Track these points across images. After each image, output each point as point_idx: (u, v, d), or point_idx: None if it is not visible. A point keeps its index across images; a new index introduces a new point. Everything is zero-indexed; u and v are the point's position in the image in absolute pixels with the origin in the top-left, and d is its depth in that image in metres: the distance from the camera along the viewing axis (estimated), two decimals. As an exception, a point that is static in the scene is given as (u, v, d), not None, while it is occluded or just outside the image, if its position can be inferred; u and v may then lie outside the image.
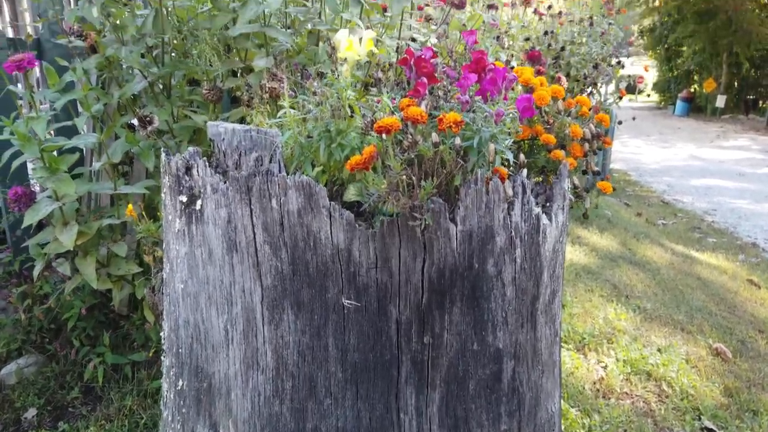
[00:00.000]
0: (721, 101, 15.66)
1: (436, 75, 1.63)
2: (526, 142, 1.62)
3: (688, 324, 3.30)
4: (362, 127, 1.20)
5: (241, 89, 2.06)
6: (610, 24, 5.12)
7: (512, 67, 1.71)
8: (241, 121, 1.87)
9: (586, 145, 1.54)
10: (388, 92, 1.57)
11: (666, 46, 17.36)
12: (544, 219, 1.28)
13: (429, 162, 1.15)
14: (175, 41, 1.95)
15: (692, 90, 17.02)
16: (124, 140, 1.89)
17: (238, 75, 2.19)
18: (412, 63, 1.57)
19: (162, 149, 1.35)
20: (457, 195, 1.20)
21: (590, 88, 4.95)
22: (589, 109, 1.61)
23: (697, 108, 16.79)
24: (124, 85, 2.08)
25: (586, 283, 3.77)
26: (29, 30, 2.41)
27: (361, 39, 1.26)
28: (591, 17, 4.76)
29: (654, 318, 3.35)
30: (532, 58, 3.35)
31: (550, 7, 4.64)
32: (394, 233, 1.18)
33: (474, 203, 1.18)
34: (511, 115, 1.32)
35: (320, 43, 2.07)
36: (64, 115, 2.31)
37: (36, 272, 1.88)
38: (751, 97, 16.40)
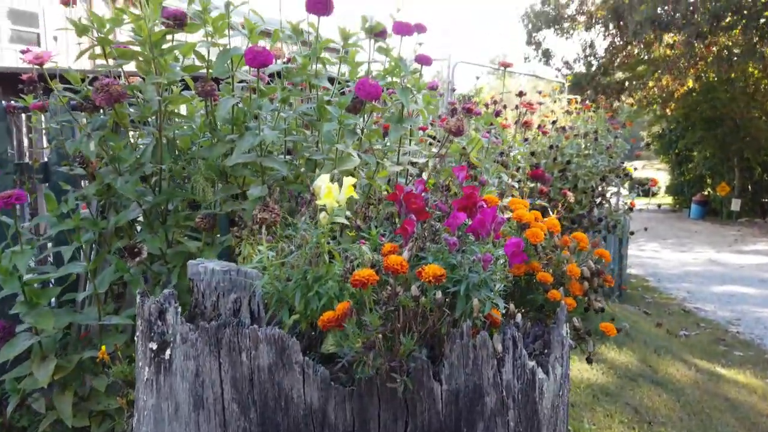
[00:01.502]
0: (736, 205, 15.57)
1: (426, 209, 1.58)
2: (523, 278, 1.53)
3: (719, 457, 3.02)
4: (341, 274, 1.13)
5: (237, 214, 2.04)
6: (616, 137, 5.18)
7: (504, 208, 1.66)
8: (230, 251, 1.82)
9: (586, 283, 1.45)
10: (377, 227, 1.52)
11: (676, 151, 17.60)
12: (540, 373, 1.16)
13: (411, 314, 1.06)
14: (172, 169, 1.96)
15: (706, 193, 17.02)
16: (113, 269, 1.85)
17: (237, 198, 2.18)
18: (401, 199, 1.52)
19: (138, 292, 1.29)
20: (443, 347, 1.10)
21: (599, 199, 4.92)
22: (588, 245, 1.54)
23: (712, 211, 16.69)
24: (122, 210, 2.07)
25: (605, 407, 3.52)
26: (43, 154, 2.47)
27: (341, 185, 1.22)
28: (596, 131, 4.83)
29: (680, 449, 3.07)
30: (536, 176, 3.34)
31: (554, 121, 4.72)
32: (373, 393, 1.07)
33: (460, 360, 1.08)
34: (500, 259, 1.25)
35: (317, 170, 2.07)
36: (62, 237, 2.29)
37: (9, 409, 1.77)
38: (767, 200, 16.32)
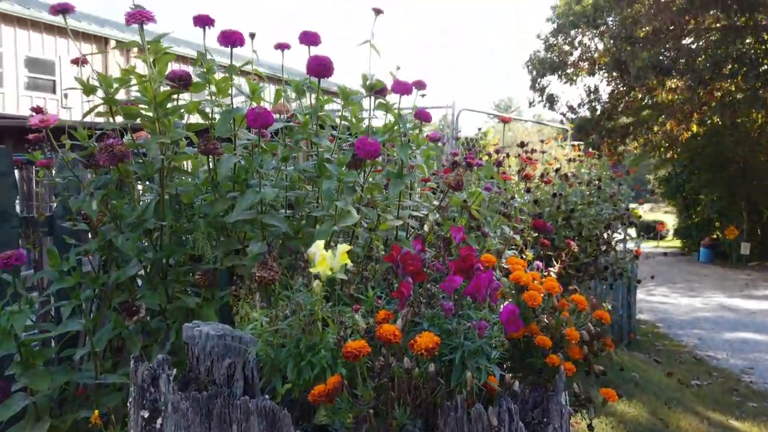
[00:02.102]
0: (745, 248, 15.43)
1: (424, 270, 1.57)
2: (521, 340, 1.51)
3: None
4: (335, 342, 1.12)
5: (237, 271, 2.04)
6: (620, 184, 5.19)
7: (499, 276, 1.66)
8: (230, 306, 1.81)
9: (585, 347, 1.43)
10: (374, 288, 1.51)
11: (684, 194, 17.57)
12: (537, 446, 1.13)
13: (404, 386, 1.05)
14: (173, 226, 1.97)
15: (715, 237, 16.90)
16: (111, 326, 1.84)
17: (238, 252, 2.19)
18: (398, 260, 1.52)
19: (132, 357, 1.28)
20: (438, 418, 1.08)
21: (605, 246, 4.89)
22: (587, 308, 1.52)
23: (721, 254, 16.54)
24: (123, 265, 2.07)
25: (614, 463, 3.41)
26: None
27: (335, 252, 1.22)
28: (599, 178, 4.84)
29: None
30: (538, 227, 3.33)
31: (558, 169, 4.74)
32: (365, 467, 1.05)
33: (454, 433, 1.05)
34: (497, 324, 1.23)
35: (317, 225, 2.07)
36: (63, 293, 2.30)
37: (1, 472, 1.74)
38: (777, 243, 16.16)
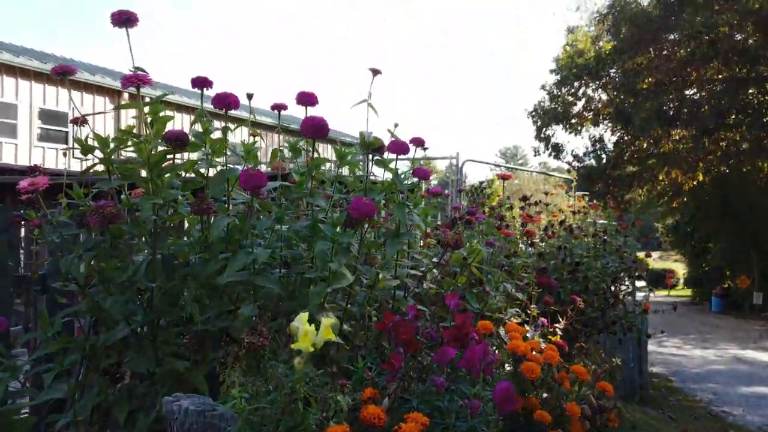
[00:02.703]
0: (758, 298, 15.13)
1: (417, 338, 1.51)
2: (520, 414, 1.43)
3: None
4: (316, 424, 1.05)
5: (226, 334, 1.98)
6: (626, 237, 5.12)
7: (498, 344, 1.59)
8: (216, 374, 1.74)
9: (587, 422, 1.35)
10: (364, 357, 1.45)
11: (692, 243, 17.39)
12: None
13: (389, 473, 0.98)
14: (162, 287, 1.93)
15: (726, 286, 16.61)
16: (96, 392, 1.77)
17: (231, 313, 2.13)
18: (390, 328, 1.46)
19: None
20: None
21: (612, 300, 4.78)
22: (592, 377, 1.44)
23: (734, 304, 16.22)
24: (113, 326, 2.02)
25: None
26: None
27: (319, 327, 1.17)
28: (605, 231, 4.78)
29: None
30: (542, 284, 3.26)
31: (562, 221, 4.69)
32: None
33: None
34: (492, 401, 1.16)
35: (311, 287, 2.02)
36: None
37: None
38: (790, 293, 15.85)
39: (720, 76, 12.95)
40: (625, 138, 15.30)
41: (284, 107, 2.12)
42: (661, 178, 14.74)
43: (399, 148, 2.10)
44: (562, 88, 15.82)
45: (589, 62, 14.71)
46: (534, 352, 1.47)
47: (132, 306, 1.91)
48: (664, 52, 13.20)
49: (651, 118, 12.31)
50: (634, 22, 12.53)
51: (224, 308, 1.99)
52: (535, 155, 16.71)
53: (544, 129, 16.23)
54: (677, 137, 13.64)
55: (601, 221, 5.18)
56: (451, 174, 6.86)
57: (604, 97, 15.76)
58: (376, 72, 2.29)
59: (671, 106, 12.82)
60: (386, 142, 2.48)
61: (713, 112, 11.96)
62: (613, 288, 4.80)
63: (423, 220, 2.28)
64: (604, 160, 15.85)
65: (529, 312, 3.14)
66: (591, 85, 15.72)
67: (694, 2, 11.46)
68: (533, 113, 16.07)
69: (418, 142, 2.54)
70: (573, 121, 16.03)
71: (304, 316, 1.17)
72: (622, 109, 13.89)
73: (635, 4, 13.21)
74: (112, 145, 1.99)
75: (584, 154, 16.42)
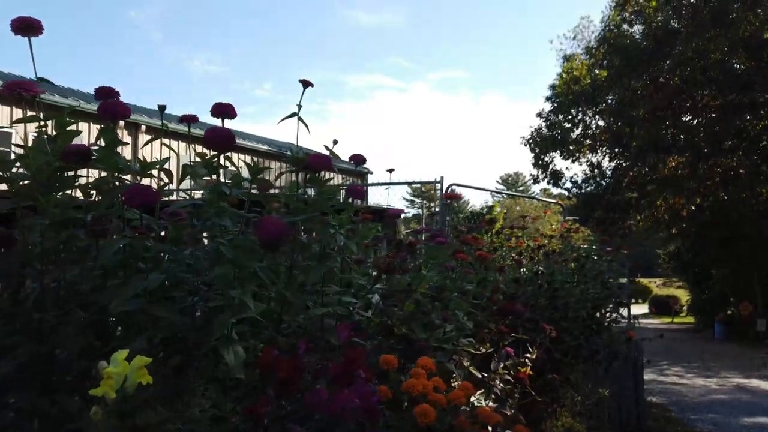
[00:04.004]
0: (761, 325, 14.63)
1: (303, 375, 1.28)
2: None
3: None
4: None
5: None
6: (609, 261, 4.85)
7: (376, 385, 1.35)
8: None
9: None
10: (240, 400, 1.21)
11: (694, 270, 16.93)
12: None
13: None
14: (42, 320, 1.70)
15: (729, 312, 16.11)
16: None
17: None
18: (271, 365, 1.23)
19: None
20: None
21: (595, 327, 4.49)
22: None
23: (737, 331, 15.69)
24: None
25: None
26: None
27: (129, 367, 0.94)
28: (586, 256, 4.51)
29: None
30: (506, 311, 2.98)
31: (540, 246, 4.44)
32: None
33: None
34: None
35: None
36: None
37: None
38: (794, 319, 15.32)
39: (716, 103, 12.73)
40: (623, 164, 15.07)
41: (195, 119, 1.92)
42: (659, 204, 14.43)
43: (319, 163, 1.89)
44: (559, 115, 15.68)
45: (586, 89, 14.58)
46: (438, 393, 1.23)
47: (18, 338, 1.69)
48: (660, 80, 13.03)
49: (647, 146, 12.08)
50: (625, 53, 12.40)
51: (89, 342, 1.74)
52: (534, 182, 16.49)
53: (542, 156, 16.03)
54: (674, 163, 13.37)
55: (585, 246, 4.91)
56: (437, 201, 6.59)
57: (601, 123, 15.59)
58: (306, 84, 2.10)
59: (667, 132, 12.60)
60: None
61: (708, 138, 11.72)
62: (597, 315, 4.52)
63: (357, 242, 2.06)
64: (603, 187, 15.59)
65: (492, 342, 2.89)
66: (588, 111, 15.56)
67: (685, 32, 11.33)
68: (530, 140, 15.89)
69: (357, 159, 2.34)
70: (571, 147, 15.83)
71: (120, 354, 0.95)
72: (619, 136, 13.70)
73: (625, 36, 13.11)
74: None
75: (583, 180, 16.17)
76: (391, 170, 3.69)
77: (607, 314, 4.81)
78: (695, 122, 12.80)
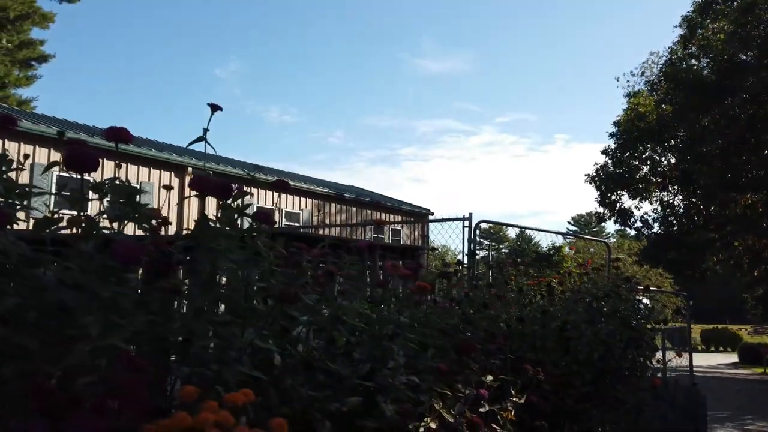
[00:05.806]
0: None
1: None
2: None
3: None
4: None
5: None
6: (636, 300, 4.31)
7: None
8: None
9: None
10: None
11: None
12: None
13: None
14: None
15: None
16: None
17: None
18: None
19: None
20: None
21: (609, 372, 3.95)
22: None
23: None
24: None
25: None
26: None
27: None
28: (606, 295, 4.02)
29: None
30: (462, 351, 2.64)
31: (549, 284, 4.02)
32: None
33: None
34: None
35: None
36: None
37: None
38: None
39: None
40: (696, 203, 13.89)
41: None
42: (737, 244, 13.08)
43: (201, 186, 1.75)
44: (626, 152, 14.80)
45: (652, 125, 13.70)
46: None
47: None
48: (731, 113, 12.01)
49: (716, 184, 11.07)
50: (689, 88, 11.57)
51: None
52: (599, 222, 15.53)
53: (608, 194, 15.12)
54: (748, 201, 12.12)
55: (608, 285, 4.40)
56: (465, 240, 6.19)
57: (671, 160, 14.54)
58: (215, 108, 2.00)
59: (739, 169, 11.51)
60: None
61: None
62: (616, 360, 3.98)
63: (237, 269, 1.87)
64: (675, 226, 14.41)
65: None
66: (657, 148, 14.59)
67: (755, 64, 10.41)
68: (595, 177, 15.05)
69: (280, 185, 2.19)
70: (639, 186, 14.83)
71: None
72: (689, 173, 12.68)
73: (689, 71, 12.26)
74: None
75: (653, 219, 15.04)
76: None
77: (636, 358, 4.23)
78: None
